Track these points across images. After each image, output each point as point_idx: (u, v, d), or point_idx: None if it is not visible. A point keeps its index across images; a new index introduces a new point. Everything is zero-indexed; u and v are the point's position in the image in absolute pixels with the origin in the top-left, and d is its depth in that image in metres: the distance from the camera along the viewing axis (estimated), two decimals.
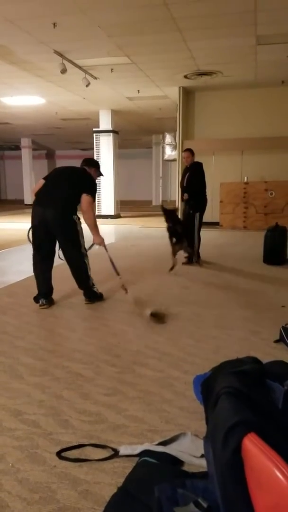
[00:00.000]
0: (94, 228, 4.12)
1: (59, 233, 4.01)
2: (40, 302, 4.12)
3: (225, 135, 10.94)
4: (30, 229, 4.13)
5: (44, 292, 4.15)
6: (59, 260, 4.19)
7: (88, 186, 4.06)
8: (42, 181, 4.13)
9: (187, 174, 6.38)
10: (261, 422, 1.21)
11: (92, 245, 4.35)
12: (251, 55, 8.09)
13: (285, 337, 3.12)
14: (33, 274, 4.19)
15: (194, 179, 6.28)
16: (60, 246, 4.11)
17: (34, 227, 4.03)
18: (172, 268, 5.62)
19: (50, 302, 4.17)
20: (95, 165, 4.39)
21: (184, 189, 6.39)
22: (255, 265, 6.13)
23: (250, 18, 6.28)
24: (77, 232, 4.03)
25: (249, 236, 9.56)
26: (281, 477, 1.00)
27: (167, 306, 4.06)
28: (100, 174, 4.45)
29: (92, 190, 4.09)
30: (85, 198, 3.98)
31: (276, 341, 3.19)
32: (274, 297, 4.46)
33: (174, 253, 5.73)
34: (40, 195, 4.04)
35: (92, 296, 4.27)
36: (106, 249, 4.24)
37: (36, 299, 4.16)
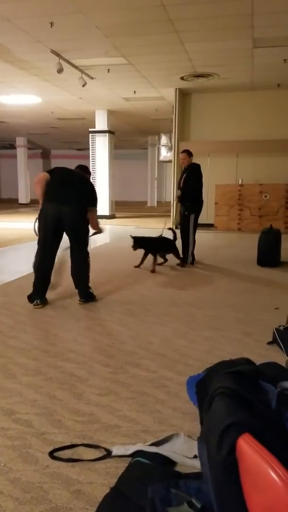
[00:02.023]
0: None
1: (72, 231, 4.08)
2: (35, 302, 4.10)
3: (220, 137, 10.98)
4: (36, 221, 4.17)
5: (41, 290, 4.13)
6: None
7: (95, 198, 4.29)
8: (47, 175, 4.14)
9: (184, 175, 6.38)
10: (256, 423, 1.22)
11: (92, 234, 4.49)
12: (247, 58, 8.13)
13: (278, 338, 3.13)
14: (27, 273, 4.19)
15: (190, 180, 6.29)
16: (70, 243, 4.16)
17: (45, 224, 4.03)
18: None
19: (44, 302, 4.15)
20: (90, 173, 4.66)
21: (181, 190, 6.39)
22: (249, 267, 6.15)
23: (247, 21, 6.31)
24: (88, 232, 4.22)
25: (243, 238, 9.59)
26: (275, 478, 1.00)
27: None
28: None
29: (96, 201, 4.32)
30: (95, 213, 4.29)
31: (269, 343, 3.19)
32: (268, 299, 4.47)
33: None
34: (54, 192, 4.06)
35: (88, 296, 4.26)
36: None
37: (31, 299, 4.13)
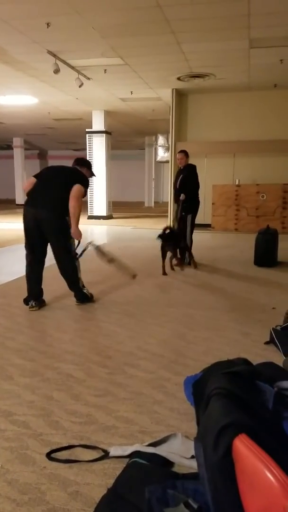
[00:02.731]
0: (76, 219, 3.92)
1: (51, 234, 3.96)
2: (30, 304, 4.08)
3: (217, 138, 10.98)
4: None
5: (35, 294, 4.12)
6: (50, 260, 4.17)
7: (81, 179, 4.03)
8: (33, 179, 4.07)
9: (181, 176, 6.38)
10: (252, 424, 1.22)
11: (84, 250, 4.33)
12: (244, 58, 8.13)
13: (275, 338, 3.14)
14: (24, 274, 4.17)
15: (187, 181, 6.30)
16: (51, 247, 4.06)
17: (27, 228, 3.98)
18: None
19: (40, 304, 4.13)
20: (87, 165, 4.35)
21: (177, 191, 6.39)
22: (246, 267, 6.16)
23: (244, 21, 6.31)
24: (69, 234, 4.01)
25: (240, 239, 9.60)
26: (272, 478, 1.01)
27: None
28: (92, 174, 4.42)
29: (85, 183, 4.03)
30: (77, 186, 3.89)
31: (266, 343, 3.20)
32: (265, 299, 4.48)
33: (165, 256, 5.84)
34: (32, 195, 3.98)
35: (83, 297, 4.24)
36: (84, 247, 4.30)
37: (26, 301, 4.12)
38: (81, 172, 4.16)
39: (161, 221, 12.80)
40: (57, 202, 3.90)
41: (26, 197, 4.06)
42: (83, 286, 4.26)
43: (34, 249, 4.03)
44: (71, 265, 4.11)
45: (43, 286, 4.18)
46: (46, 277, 4.22)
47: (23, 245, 4.10)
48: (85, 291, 4.26)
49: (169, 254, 5.88)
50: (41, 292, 4.16)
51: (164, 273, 5.68)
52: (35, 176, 4.14)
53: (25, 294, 4.16)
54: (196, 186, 6.38)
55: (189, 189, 6.28)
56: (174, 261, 6.04)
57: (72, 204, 3.87)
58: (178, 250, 5.99)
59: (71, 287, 4.21)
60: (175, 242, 5.91)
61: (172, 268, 6.02)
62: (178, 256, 6.01)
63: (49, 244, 4.06)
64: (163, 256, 5.76)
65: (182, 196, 6.32)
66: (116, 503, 1.54)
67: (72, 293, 4.26)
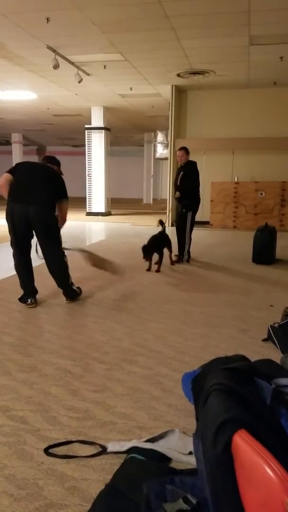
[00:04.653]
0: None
1: (41, 230, 3.91)
2: (29, 301, 4.04)
3: (216, 135, 10.97)
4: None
5: (31, 290, 4.09)
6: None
7: (64, 190, 4.06)
8: (9, 176, 3.94)
9: (181, 173, 6.36)
10: (251, 419, 1.22)
11: (74, 250, 4.35)
12: (244, 55, 8.12)
13: (273, 336, 3.14)
14: None
15: (188, 178, 6.28)
16: (40, 244, 4.02)
17: (14, 225, 3.88)
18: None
19: (36, 301, 4.11)
20: (58, 163, 4.29)
21: (177, 188, 6.38)
22: (244, 264, 6.16)
23: (244, 18, 6.30)
24: (58, 230, 4.02)
25: (238, 236, 9.61)
26: (271, 473, 1.01)
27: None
28: (61, 173, 4.31)
29: (66, 193, 4.09)
30: (65, 205, 4.05)
31: (264, 340, 3.21)
32: (263, 296, 4.49)
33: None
34: (18, 192, 3.87)
35: (73, 294, 4.20)
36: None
37: (23, 299, 4.07)
38: (59, 175, 4.14)
39: (159, 218, 12.80)
40: (45, 199, 3.90)
41: (2, 194, 3.96)
42: (72, 283, 4.21)
43: (23, 247, 3.99)
44: (62, 261, 4.07)
45: (39, 282, 4.16)
46: (43, 273, 4.20)
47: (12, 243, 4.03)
48: (74, 287, 4.22)
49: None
50: (35, 288, 4.14)
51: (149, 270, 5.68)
52: (9, 172, 4.00)
53: (22, 290, 4.13)
54: (197, 183, 6.35)
55: (189, 186, 6.26)
56: (174, 257, 6.05)
57: (64, 218, 4.11)
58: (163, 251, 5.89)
59: (61, 284, 4.15)
60: (161, 246, 5.83)
61: (172, 264, 6.07)
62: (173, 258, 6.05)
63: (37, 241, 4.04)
64: (149, 258, 5.70)
65: (177, 194, 6.31)
66: (114, 498, 1.54)
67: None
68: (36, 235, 3.97)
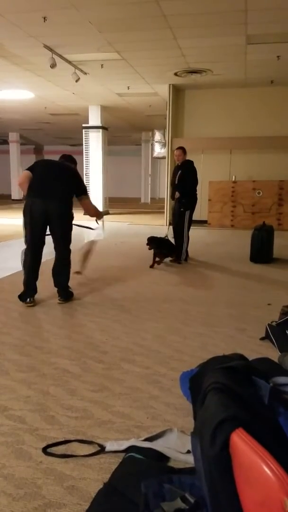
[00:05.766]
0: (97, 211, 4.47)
1: (58, 226, 3.99)
2: (28, 300, 4.05)
3: (214, 134, 10.97)
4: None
5: (32, 289, 4.09)
6: (46, 255, 4.16)
7: (84, 187, 4.23)
8: (28, 173, 4.02)
9: (179, 172, 6.36)
10: (249, 418, 1.22)
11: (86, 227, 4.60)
12: (241, 54, 8.12)
13: (270, 334, 3.15)
14: (20, 269, 4.14)
15: (186, 177, 6.28)
16: (54, 241, 4.07)
17: (32, 220, 3.93)
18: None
19: (35, 300, 4.11)
20: (75, 162, 4.42)
21: (175, 187, 6.38)
22: (242, 263, 6.17)
23: (241, 17, 6.30)
24: (72, 228, 4.10)
25: (236, 235, 9.61)
26: (269, 472, 1.01)
27: None
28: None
29: (86, 189, 4.27)
30: (87, 201, 4.25)
31: (262, 339, 3.21)
32: (260, 295, 4.50)
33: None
34: (38, 188, 3.95)
35: (67, 295, 4.21)
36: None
37: (23, 298, 4.07)
38: (78, 173, 4.29)
39: (157, 217, 12.82)
40: (65, 195, 4.01)
41: (22, 190, 4.05)
42: (68, 286, 4.24)
43: (38, 243, 4.01)
44: (68, 261, 4.14)
45: (39, 282, 4.16)
46: (43, 273, 4.19)
47: (19, 240, 4.07)
48: (70, 289, 4.25)
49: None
50: (36, 287, 4.15)
51: (152, 266, 5.88)
52: (29, 169, 4.09)
53: (20, 289, 4.12)
54: (194, 182, 6.36)
55: (187, 185, 6.26)
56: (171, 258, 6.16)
57: (94, 211, 4.42)
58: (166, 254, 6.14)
59: (60, 283, 4.17)
60: (166, 249, 6.07)
61: (171, 261, 6.17)
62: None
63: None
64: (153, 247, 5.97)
65: (176, 194, 6.32)
66: (112, 497, 1.54)
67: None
68: (52, 232, 4.03)
